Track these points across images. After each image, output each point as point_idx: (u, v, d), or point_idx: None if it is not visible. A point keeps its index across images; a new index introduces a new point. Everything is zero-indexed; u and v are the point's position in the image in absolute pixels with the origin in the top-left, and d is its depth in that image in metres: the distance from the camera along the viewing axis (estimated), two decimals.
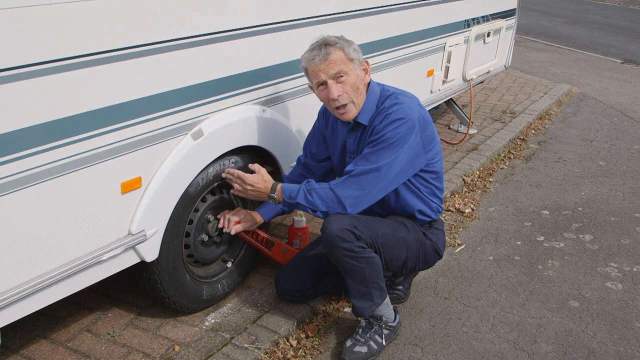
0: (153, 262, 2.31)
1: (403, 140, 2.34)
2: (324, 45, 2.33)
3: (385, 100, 2.43)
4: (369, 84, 2.47)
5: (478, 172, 4.41)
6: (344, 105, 2.38)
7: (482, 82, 5.47)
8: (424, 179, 2.54)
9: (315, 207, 2.38)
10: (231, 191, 2.56)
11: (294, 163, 2.83)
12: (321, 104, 2.66)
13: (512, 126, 5.41)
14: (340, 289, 2.79)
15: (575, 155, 4.99)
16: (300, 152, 2.84)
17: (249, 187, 2.47)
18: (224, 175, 2.50)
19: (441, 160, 2.60)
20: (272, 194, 2.46)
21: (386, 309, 2.52)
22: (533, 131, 5.51)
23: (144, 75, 1.99)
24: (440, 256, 2.69)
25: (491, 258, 3.33)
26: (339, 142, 2.60)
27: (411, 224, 2.57)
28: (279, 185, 2.47)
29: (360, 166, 2.35)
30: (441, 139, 4.93)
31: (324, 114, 2.68)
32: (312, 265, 2.68)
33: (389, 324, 2.54)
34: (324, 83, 2.35)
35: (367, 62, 2.45)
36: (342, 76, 2.33)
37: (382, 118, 2.38)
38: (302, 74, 2.50)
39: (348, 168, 2.39)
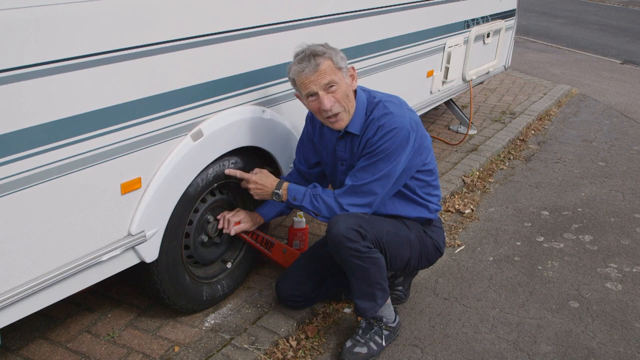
0: (153, 262, 2.31)
1: (399, 149, 2.35)
2: (312, 56, 2.29)
3: (374, 110, 2.41)
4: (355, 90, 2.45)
5: (478, 173, 4.41)
6: (336, 115, 2.35)
7: (481, 82, 5.47)
8: (419, 180, 2.54)
9: (319, 212, 2.43)
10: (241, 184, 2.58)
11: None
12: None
13: (512, 127, 5.41)
14: (341, 293, 2.79)
15: (575, 155, 4.99)
16: None
17: (252, 186, 2.51)
18: (227, 172, 2.51)
19: (433, 156, 2.60)
20: (277, 190, 2.48)
21: (387, 310, 2.52)
22: (533, 132, 5.51)
23: (144, 76, 1.99)
24: (441, 253, 2.70)
25: (491, 259, 3.33)
26: (329, 149, 2.59)
27: (411, 223, 2.58)
28: (286, 183, 2.50)
29: (360, 179, 2.38)
30: (441, 140, 4.94)
31: (311, 119, 2.64)
32: (313, 268, 2.67)
33: (389, 324, 2.54)
34: (315, 94, 2.32)
35: (353, 67, 2.43)
36: (332, 86, 2.31)
37: (375, 130, 2.36)
38: None
39: (347, 181, 2.41)
